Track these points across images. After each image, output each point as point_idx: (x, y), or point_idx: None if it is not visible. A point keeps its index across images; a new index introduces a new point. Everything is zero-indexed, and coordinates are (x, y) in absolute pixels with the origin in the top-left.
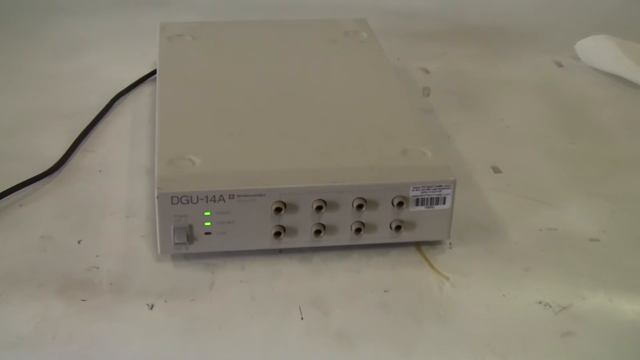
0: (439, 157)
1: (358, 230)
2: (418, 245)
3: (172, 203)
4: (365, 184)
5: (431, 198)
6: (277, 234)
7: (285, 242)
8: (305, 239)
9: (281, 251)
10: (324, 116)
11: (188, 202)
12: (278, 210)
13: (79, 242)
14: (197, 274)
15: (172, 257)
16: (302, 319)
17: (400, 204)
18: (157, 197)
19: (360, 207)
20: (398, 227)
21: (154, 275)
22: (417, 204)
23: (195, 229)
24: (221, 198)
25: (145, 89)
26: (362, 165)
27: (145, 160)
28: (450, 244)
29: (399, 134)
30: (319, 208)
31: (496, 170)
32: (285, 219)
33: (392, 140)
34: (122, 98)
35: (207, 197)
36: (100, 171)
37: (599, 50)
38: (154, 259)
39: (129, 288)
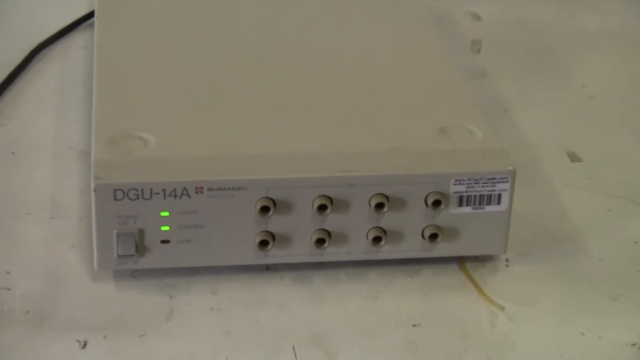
0: (492, 138)
1: (377, 240)
2: (461, 261)
3: (115, 199)
4: (388, 174)
5: (481, 196)
6: (264, 244)
7: (275, 255)
8: (302, 250)
9: (269, 268)
10: (332, 80)
11: (138, 198)
12: (265, 210)
13: None
14: (150, 299)
15: (115, 276)
16: None
17: (436, 203)
18: (94, 190)
19: (380, 207)
20: (434, 236)
21: (88, 301)
22: (460, 204)
23: (148, 235)
24: (184, 192)
25: (77, 39)
26: (383, 149)
27: (78, 138)
28: (507, 260)
29: (437, 106)
30: (322, 208)
31: (574, 157)
32: (275, 223)
33: (427, 114)
34: (45, 51)
35: (164, 190)
36: (13, 153)
37: None
38: (88, 278)
39: (53, 318)
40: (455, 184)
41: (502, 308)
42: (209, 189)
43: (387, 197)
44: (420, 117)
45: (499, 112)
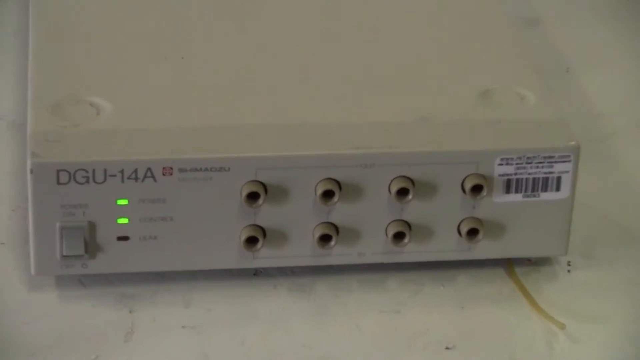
0: (549, 105)
1: (399, 237)
2: (510, 265)
3: (58, 182)
4: (414, 151)
5: (534, 179)
6: (252, 242)
7: (266, 256)
8: (302, 251)
9: (258, 273)
10: (344, 33)
11: (88, 181)
12: (253, 197)
13: None
14: (104, 313)
15: (58, 283)
16: None
17: (477, 189)
18: (31, 172)
19: (403, 193)
20: (473, 232)
21: (23, 316)
22: (507, 190)
23: (102, 230)
24: (149, 174)
25: None
26: (408, 119)
27: (8, 105)
28: (569, 264)
29: (478, 63)
30: (327, 195)
31: None
32: (267, 215)
33: (465, 74)
34: None
35: (122, 171)
36: None
37: None
38: (23, 286)
39: None
40: (501, 164)
41: (562, 326)
42: (181, 170)
43: (412, 182)
44: (457, 78)
45: (559, 72)
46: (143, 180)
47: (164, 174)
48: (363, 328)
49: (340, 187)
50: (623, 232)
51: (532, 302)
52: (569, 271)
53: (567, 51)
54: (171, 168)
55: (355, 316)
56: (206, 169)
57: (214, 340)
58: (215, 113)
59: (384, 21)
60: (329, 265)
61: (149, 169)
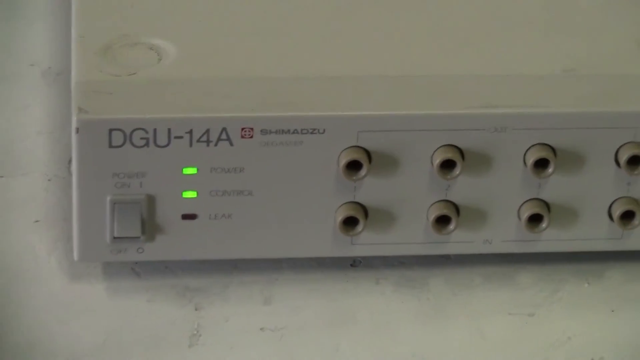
0: None
1: (536, 220)
2: None
3: (110, 145)
4: (556, 112)
5: None
6: (350, 223)
7: (368, 242)
8: (413, 236)
9: (356, 264)
10: None
11: (147, 144)
12: (354, 167)
13: None
14: (164, 310)
15: (107, 272)
16: None
17: (634, 161)
18: (77, 130)
19: (542, 165)
20: (627, 216)
21: (64, 313)
22: None
23: (163, 206)
24: (223, 136)
25: None
26: (547, 71)
27: (44, 49)
28: None
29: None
30: (449, 166)
31: None
32: (370, 190)
33: (622, 16)
34: None
35: (191, 132)
36: None
37: None
38: (64, 275)
39: (8, 342)
40: None
41: None
42: (263, 132)
43: (553, 150)
44: (611, 22)
45: None
46: (216, 143)
47: (242, 136)
48: (488, 334)
49: (462, 157)
50: None
51: None
52: None
53: None
54: (251, 129)
55: (479, 319)
56: (295, 131)
57: (301, 346)
58: (307, 61)
59: None
60: (447, 255)
61: (224, 129)
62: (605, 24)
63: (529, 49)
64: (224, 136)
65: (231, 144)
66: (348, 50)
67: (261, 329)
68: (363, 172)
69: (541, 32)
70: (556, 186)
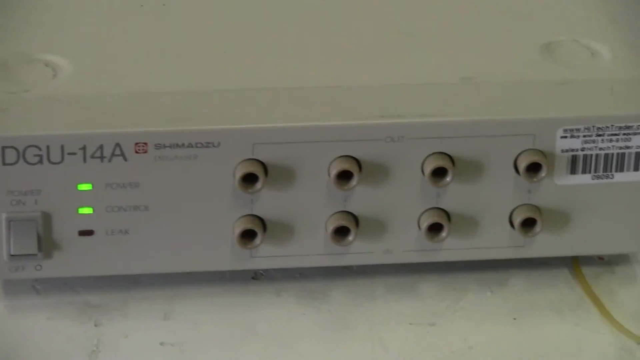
0: (627, 62)
1: (435, 230)
2: (576, 265)
3: (3, 162)
4: (454, 120)
5: (606, 156)
6: (248, 237)
7: (267, 255)
8: (312, 248)
9: (256, 277)
10: None
11: (41, 161)
12: (249, 180)
13: None
14: (63, 327)
15: (5, 290)
16: None
17: (534, 168)
18: None
19: (440, 174)
20: (528, 223)
21: None
22: (573, 170)
23: (60, 222)
24: (117, 151)
25: None
26: (448, 80)
27: None
28: None
29: (539, 11)
30: (344, 177)
31: None
32: (267, 203)
33: (523, 24)
34: None
35: (84, 148)
36: None
37: None
38: None
39: None
40: (564, 137)
41: (639, 340)
42: (157, 146)
43: (451, 159)
44: (512, 30)
45: None
46: (110, 159)
47: (136, 152)
48: (390, 345)
49: (360, 167)
50: None
51: (603, 311)
52: None
53: None
54: (145, 144)
55: (380, 330)
56: (190, 145)
57: None
58: (201, 75)
59: None
60: (347, 266)
61: (117, 144)
62: (510, 31)
63: (429, 58)
64: (117, 151)
65: (125, 159)
66: (243, 62)
67: (161, 343)
68: (259, 184)
69: (442, 40)
70: (456, 195)
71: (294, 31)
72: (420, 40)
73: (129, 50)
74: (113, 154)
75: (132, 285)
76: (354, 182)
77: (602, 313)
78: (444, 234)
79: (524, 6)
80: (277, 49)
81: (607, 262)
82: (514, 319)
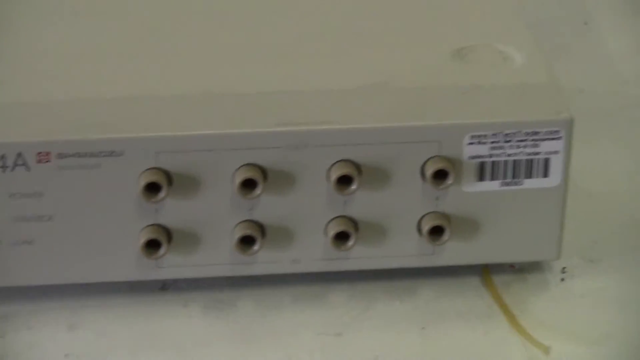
0: (538, 67)
1: (342, 238)
2: (486, 273)
3: None
4: (359, 127)
5: (515, 162)
6: (153, 246)
7: (174, 265)
8: (218, 257)
9: (165, 287)
10: None
11: None
12: (153, 189)
13: None
14: None
15: None
16: None
17: (440, 175)
18: None
19: (346, 182)
20: (436, 231)
21: None
22: (481, 177)
23: None
24: (20, 161)
25: None
26: (355, 85)
27: None
28: (563, 271)
29: (452, 16)
30: (248, 185)
31: None
32: (172, 212)
33: (436, 29)
34: None
35: None
36: None
37: None
38: None
39: None
40: (471, 144)
41: (545, 350)
42: (60, 155)
43: (357, 167)
44: (424, 34)
45: (575, 25)
46: (13, 168)
47: (39, 161)
48: (294, 355)
49: (264, 175)
50: (637, 232)
51: (512, 320)
52: (562, 280)
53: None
54: (48, 153)
55: (286, 340)
56: (92, 154)
57: None
58: (106, 82)
59: None
60: (254, 275)
61: (19, 154)
62: (422, 35)
63: (340, 63)
64: (20, 161)
65: (28, 169)
66: (146, 70)
67: (65, 355)
68: (163, 193)
69: (354, 45)
70: (363, 203)
71: (198, 37)
72: (330, 45)
73: (31, 58)
74: (15, 164)
75: (38, 295)
76: (258, 190)
77: (510, 322)
78: (350, 242)
79: (438, 11)
80: (180, 56)
81: (520, 270)
82: (423, 328)
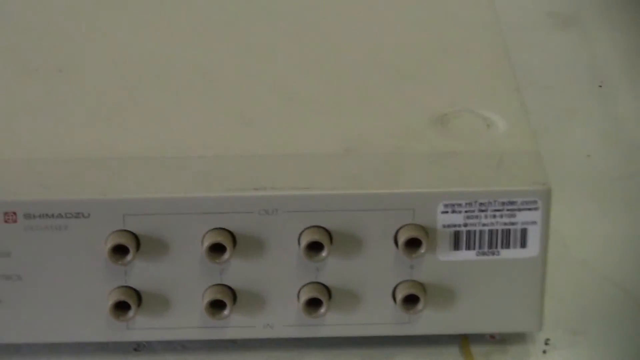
0: (521, 134)
1: (314, 305)
2: (464, 343)
3: None
4: (329, 194)
5: (491, 232)
6: (121, 308)
7: (144, 327)
8: (189, 321)
9: (139, 348)
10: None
11: None
12: (121, 251)
13: None
14: None
15: None
16: None
17: (413, 244)
18: None
19: (316, 249)
20: (410, 300)
21: None
22: (456, 246)
23: None
24: None
25: None
26: (329, 150)
27: None
28: (547, 342)
29: (438, 78)
30: (217, 250)
31: None
32: (141, 274)
33: (419, 91)
34: None
35: None
36: None
37: None
38: None
39: None
40: (445, 212)
41: None
42: (27, 216)
43: (329, 233)
44: (406, 97)
45: (590, 87)
46: None
47: (6, 221)
48: None
49: (234, 241)
50: (630, 304)
51: None
52: (544, 352)
53: (606, 60)
54: (14, 213)
55: None
56: (60, 215)
57: None
58: (73, 143)
59: (316, 18)
60: (229, 339)
61: None
62: (403, 99)
63: (313, 127)
64: None
65: None
66: (118, 130)
67: None
68: (130, 256)
69: (331, 106)
70: (336, 269)
71: (167, 95)
72: (306, 107)
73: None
74: None
75: (12, 354)
76: (226, 255)
77: None
78: (322, 309)
79: (426, 72)
80: (150, 117)
81: (501, 340)
82: None
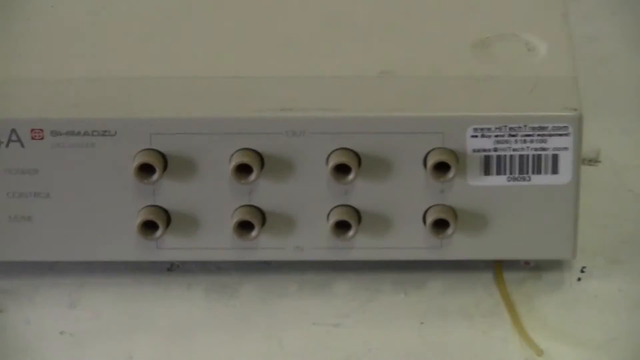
0: (561, 58)
1: (343, 228)
2: (497, 268)
3: None
4: (358, 116)
5: (521, 157)
6: (149, 227)
7: (173, 246)
8: (219, 241)
9: (172, 268)
10: None
11: None
12: (146, 170)
13: None
14: None
15: None
16: None
17: (441, 167)
18: None
19: (344, 171)
20: (440, 224)
21: None
22: (487, 171)
23: None
24: (14, 137)
25: None
26: (363, 73)
27: None
28: (583, 270)
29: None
30: (244, 170)
31: None
32: (169, 194)
33: (459, 16)
34: None
35: None
36: None
37: None
38: None
39: None
40: (475, 136)
41: (539, 352)
42: (53, 133)
43: (357, 156)
44: (451, 21)
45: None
46: (7, 144)
47: (33, 138)
48: (287, 345)
49: (262, 162)
50: None
51: (514, 319)
52: (579, 280)
53: None
54: (41, 130)
55: (281, 329)
56: (86, 133)
57: (99, 351)
58: (100, 62)
59: None
60: (260, 261)
61: (13, 130)
62: (446, 24)
63: (350, 51)
64: (14, 137)
65: (22, 146)
66: (144, 51)
67: (60, 332)
68: (156, 175)
69: (368, 32)
70: (365, 192)
71: (199, 20)
72: (345, 31)
73: (25, 37)
74: (10, 140)
75: (45, 271)
76: (253, 176)
77: (513, 321)
78: (351, 232)
79: None
80: (180, 38)
81: (536, 267)
82: (421, 323)
